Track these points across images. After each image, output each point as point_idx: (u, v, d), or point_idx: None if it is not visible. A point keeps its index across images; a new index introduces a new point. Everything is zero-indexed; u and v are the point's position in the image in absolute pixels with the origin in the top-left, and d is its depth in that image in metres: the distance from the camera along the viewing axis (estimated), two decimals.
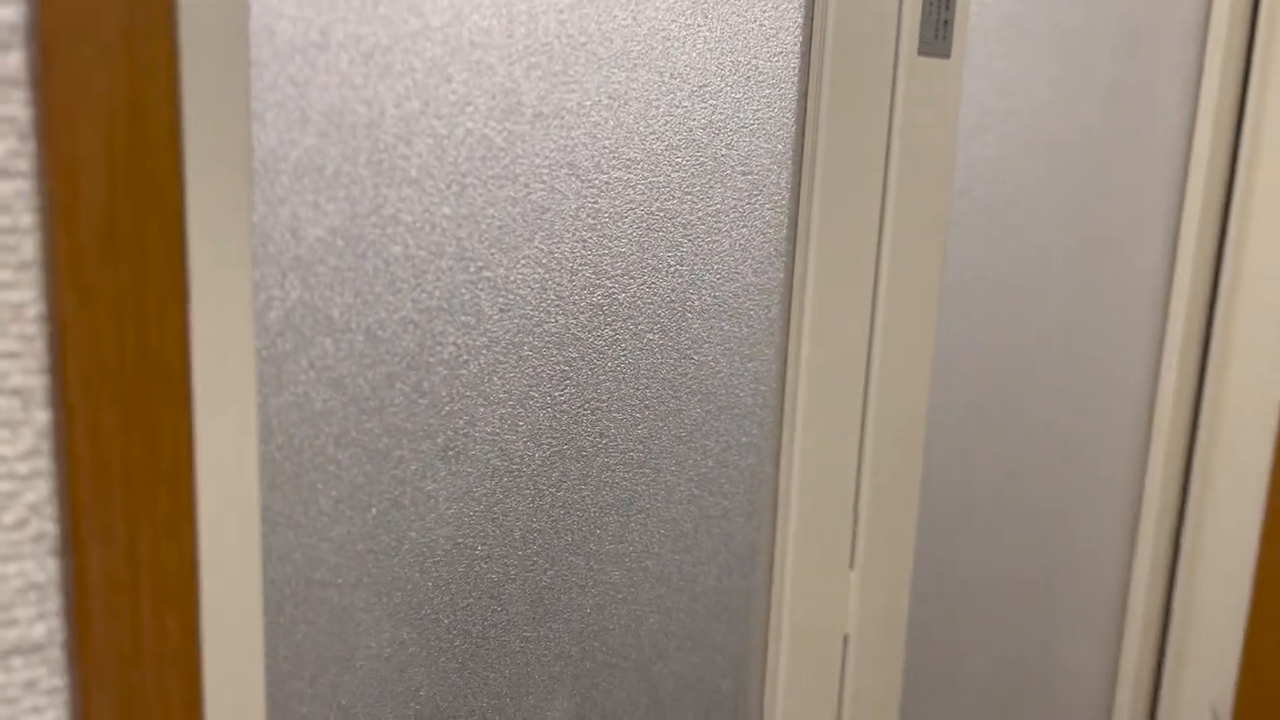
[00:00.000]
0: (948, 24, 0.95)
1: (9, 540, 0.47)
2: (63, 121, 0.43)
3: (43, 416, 0.46)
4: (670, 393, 0.89)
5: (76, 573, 0.47)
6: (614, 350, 0.85)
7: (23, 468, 0.46)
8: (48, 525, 0.47)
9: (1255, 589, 1.19)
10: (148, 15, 0.44)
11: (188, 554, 0.48)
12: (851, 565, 1.01)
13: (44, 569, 0.48)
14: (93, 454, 0.46)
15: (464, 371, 0.79)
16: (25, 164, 0.44)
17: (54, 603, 0.48)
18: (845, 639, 1.02)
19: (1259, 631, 1.19)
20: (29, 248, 0.44)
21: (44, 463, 0.46)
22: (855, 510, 1.00)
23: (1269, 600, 1.18)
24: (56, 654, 0.49)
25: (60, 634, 0.48)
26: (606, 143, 0.82)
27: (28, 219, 0.44)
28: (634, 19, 0.81)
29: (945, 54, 0.96)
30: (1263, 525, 1.18)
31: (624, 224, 0.84)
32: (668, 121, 0.84)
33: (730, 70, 0.86)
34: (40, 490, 0.47)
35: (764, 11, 0.87)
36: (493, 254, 0.79)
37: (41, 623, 0.48)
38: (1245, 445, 1.19)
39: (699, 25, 0.84)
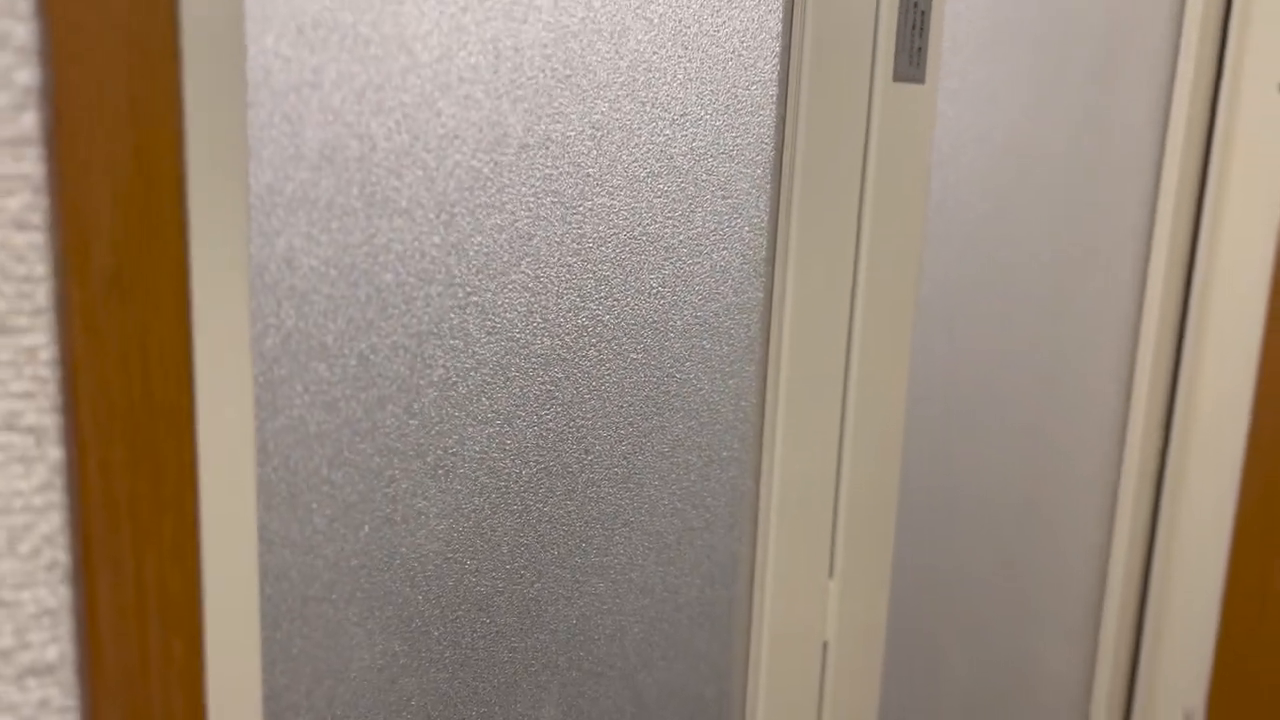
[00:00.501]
0: (921, 50, 0.98)
1: (24, 569, 0.49)
2: (74, 177, 0.46)
3: (55, 453, 0.49)
4: (653, 410, 0.92)
5: (87, 599, 0.49)
6: (598, 370, 0.88)
7: (37, 500, 0.49)
8: (60, 554, 0.50)
9: (1226, 594, 1.22)
10: (154, 76, 0.46)
11: (192, 579, 0.51)
12: (831, 574, 1.04)
13: (56, 595, 0.50)
14: (103, 487, 0.48)
15: (453, 392, 0.82)
16: (39, 217, 0.46)
17: (65, 627, 0.51)
18: (825, 646, 1.05)
19: (1231, 637, 1.23)
20: (43, 295, 0.47)
21: (56, 496, 0.49)
22: (834, 520, 1.03)
23: (1240, 605, 1.22)
24: (68, 675, 0.51)
25: (71, 656, 0.51)
26: (590, 170, 0.85)
27: (41, 268, 0.47)
28: (616, 51, 0.84)
29: (920, 79, 0.99)
30: (1233, 530, 1.21)
31: (607, 248, 0.87)
32: (649, 149, 0.87)
33: (710, 98, 0.89)
34: (53, 521, 0.49)
35: (742, 41, 0.90)
36: (480, 280, 0.81)
37: (54, 646, 0.51)
38: (1217, 452, 1.23)
39: (679, 56, 0.87)
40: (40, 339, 0.48)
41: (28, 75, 0.46)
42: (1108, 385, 1.23)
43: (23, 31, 0.45)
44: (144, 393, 0.49)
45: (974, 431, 1.15)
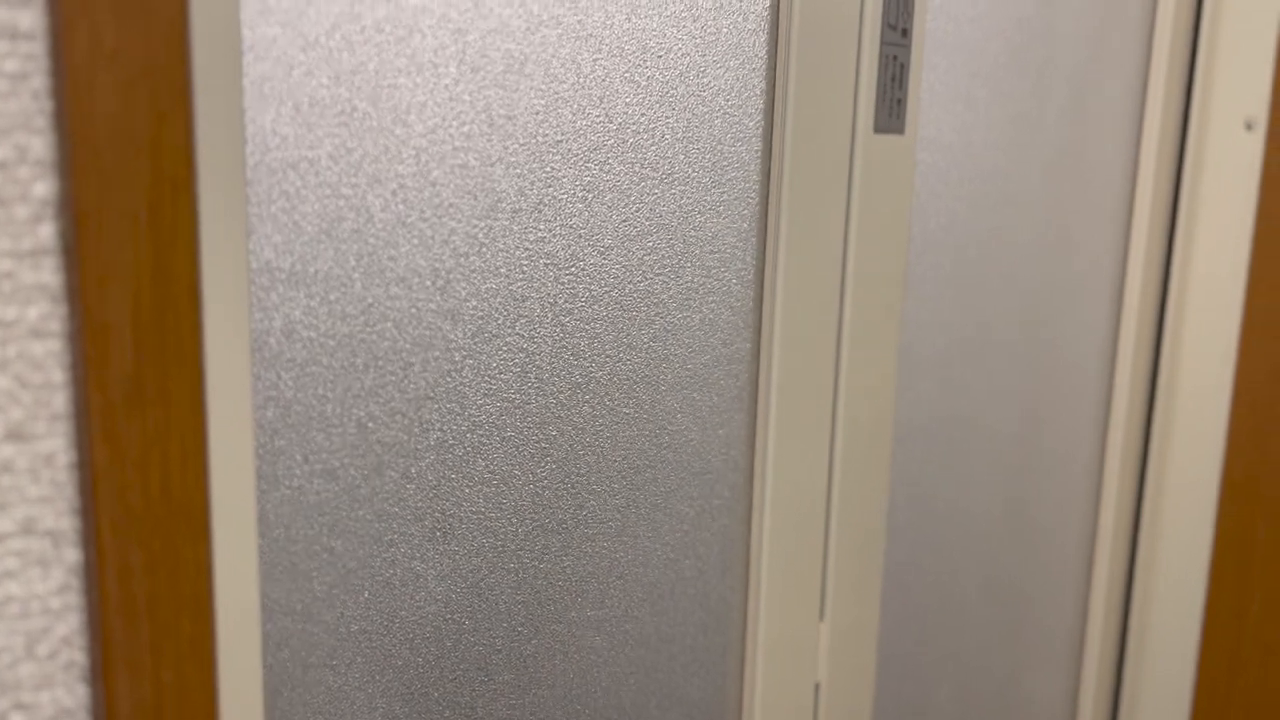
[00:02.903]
0: (901, 102, 1.00)
1: (42, 671, 0.50)
2: (94, 286, 0.46)
3: (73, 555, 0.49)
4: (645, 462, 0.93)
5: (106, 698, 0.50)
6: (592, 426, 0.89)
7: (55, 603, 0.49)
8: (77, 655, 0.50)
9: (1206, 616, 1.25)
10: (171, 186, 0.47)
11: (208, 674, 0.52)
12: (821, 616, 1.05)
13: (73, 694, 0.51)
14: (121, 589, 0.49)
15: (449, 455, 0.83)
16: (57, 325, 0.47)
17: None
18: (817, 687, 1.06)
19: (1211, 663, 1.25)
20: (60, 401, 0.47)
21: (74, 598, 0.49)
22: (824, 563, 1.04)
23: (1220, 631, 1.24)
24: None
25: None
26: (582, 231, 0.86)
27: (59, 375, 0.47)
28: (606, 115, 0.85)
29: (899, 130, 1.01)
30: (1212, 553, 1.24)
31: (599, 306, 0.88)
32: (639, 208, 0.88)
33: (696, 156, 0.90)
34: (71, 623, 0.50)
35: (727, 99, 0.91)
36: (475, 343, 0.82)
37: None
38: (1193, 484, 1.25)
39: (666, 116, 0.88)
40: (58, 444, 0.48)
41: (44, 188, 0.46)
42: (1084, 427, 1.26)
43: (39, 145, 0.46)
44: (162, 494, 0.49)
45: (953, 464, 1.16)
